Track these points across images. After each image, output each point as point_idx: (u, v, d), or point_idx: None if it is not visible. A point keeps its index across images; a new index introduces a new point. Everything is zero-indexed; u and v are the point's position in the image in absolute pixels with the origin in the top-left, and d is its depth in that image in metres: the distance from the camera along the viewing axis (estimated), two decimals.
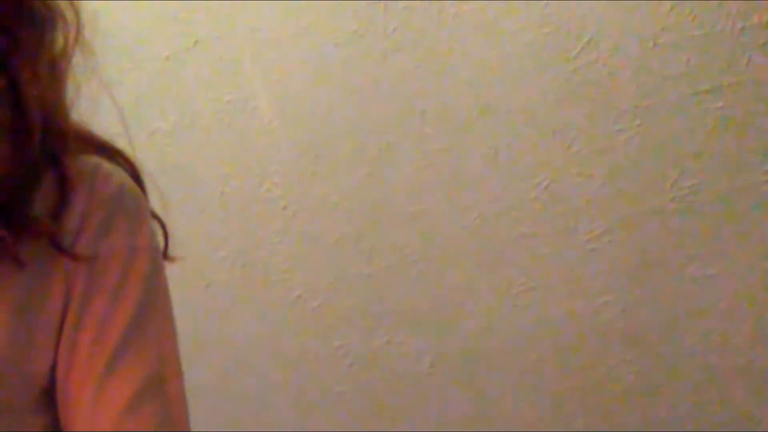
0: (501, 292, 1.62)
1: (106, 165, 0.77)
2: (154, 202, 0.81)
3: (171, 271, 0.80)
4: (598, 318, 1.60)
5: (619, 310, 1.59)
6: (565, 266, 1.59)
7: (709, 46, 1.47)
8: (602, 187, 1.55)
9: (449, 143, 1.59)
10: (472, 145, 1.59)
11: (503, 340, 1.64)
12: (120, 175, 0.77)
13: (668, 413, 1.61)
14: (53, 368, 0.72)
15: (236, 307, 1.73)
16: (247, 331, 1.74)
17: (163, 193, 0.84)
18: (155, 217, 0.80)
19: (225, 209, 1.70)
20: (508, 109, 1.56)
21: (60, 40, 0.74)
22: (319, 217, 1.66)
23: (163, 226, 0.80)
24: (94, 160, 0.77)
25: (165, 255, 0.80)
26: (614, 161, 1.54)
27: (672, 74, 1.49)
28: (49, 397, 0.73)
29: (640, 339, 1.59)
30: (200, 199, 1.70)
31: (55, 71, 0.74)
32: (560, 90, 1.53)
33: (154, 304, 0.74)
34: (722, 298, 1.55)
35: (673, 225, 1.54)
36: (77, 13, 0.75)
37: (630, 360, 1.60)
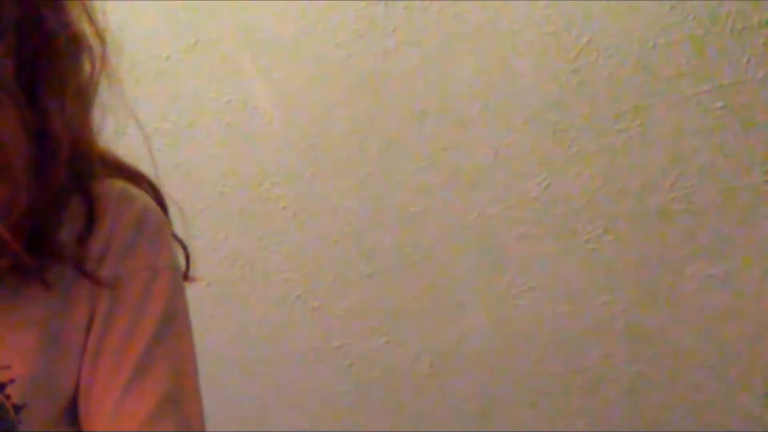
0: (501, 292, 1.62)
1: (131, 189, 0.79)
2: (176, 223, 0.83)
3: (188, 284, 0.81)
4: (598, 318, 1.60)
5: (619, 310, 1.59)
6: (565, 266, 1.59)
7: (709, 46, 1.47)
8: (602, 187, 1.55)
9: (449, 143, 1.59)
10: (472, 145, 1.59)
11: (503, 340, 1.64)
12: (143, 198, 0.79)
13: (668, 413, 1.61)
14: (77, 384, 0.74)
15: (236, 307, 1.73)
16: (247, 331, 1.74)
17: (187, 217, 0.86)
18: (177, 239, 0.82)
19: (225, 209, 1.70)
20: (508, 109, 1.56)
21: (86, 68, 0.76)
22: (319, 217, 1.66)
23: (185, 248, 0.82)
24: (119, 184, 0.79)
25: (186, 276, 0.82)
26: (614, 161, 1.54)
27: (672, 74, 1.49)
28: (73, 412, 0.75)
29: (640, 339, 1.59)
30: (200, 199, 1.70)
31: (82, 99, 0.75)
32: (560, 90, 1.53)
33: (173, 323, 0.77)
34: (722, 298, 1.55)
35: (673, 225, 1.54)
36: (103, 41, 0.76)
37: (630, 360, 1.60)
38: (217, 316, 1.74)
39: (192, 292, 1.86)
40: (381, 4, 1.56)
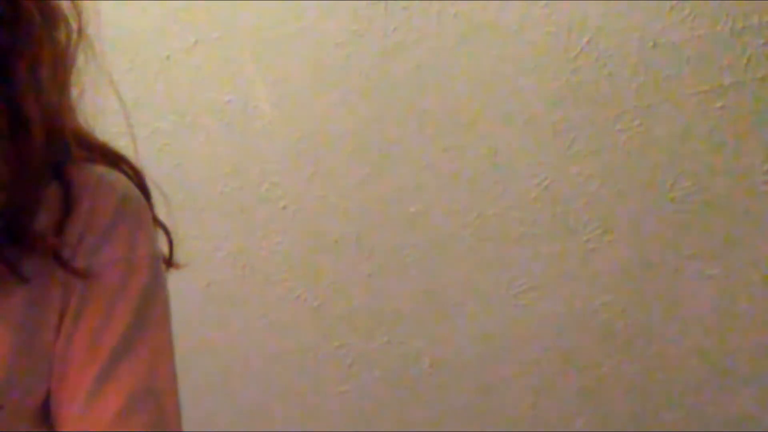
0: (501, 292, 1.62)
1: (110, 174, 0.75)
2: (160, 209, 0.80)
3: (171, 270, 0.79)
4: (598, 318, 1.60)
5: (619, 310, 1.59)
6: (565, 266, 1.59)
7: (709, 46, 1.47)
8: (602, 187, 1.55)
9: (449, 143, 1.59)
10: (472, 145, 1.59)
11: (503, 340, 1.64)
12: (122, 184, 0.75)
13: (668, 413, 1.61)
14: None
15: (236, 307, 1.73)
16: (247, 331, 1.74)
17: (169, 200, 0.82)
18: (160, 225, 0.79)
19: (225, 209, 1.70)
20: (508, 109, 1.56)
21: (62, 43, 0.72)
22: (319, 217, 1.66)
23: (168, 234, 0.79)
24: (98, 169, 0.75)
25: (170, 262, 0.79)
26: (614, 161, 1.54)
27: (672, 74, 1.49)
28: (48, 409, 0.72)
29: (640, 339, 1.59)
30: (200, 199, 1.70)
31: (57, 76, 0.72)
32: (560, 90, 1.53)
33: (150, 316, 0.73)
34: (722, 298, 1.55)
35: (673, 225, 1.54)
36: (79, 14, 0.73)
37: (630, 360, 1.60)
38: (217, 316, 1.74)
39: (192, 292, 1.86)
40: (381, 4, 1.56)
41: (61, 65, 0.72)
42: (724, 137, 1.49)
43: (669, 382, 1.60)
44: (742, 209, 1.51)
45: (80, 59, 0.74)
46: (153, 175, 0.81)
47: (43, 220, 0.70)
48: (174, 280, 0.79)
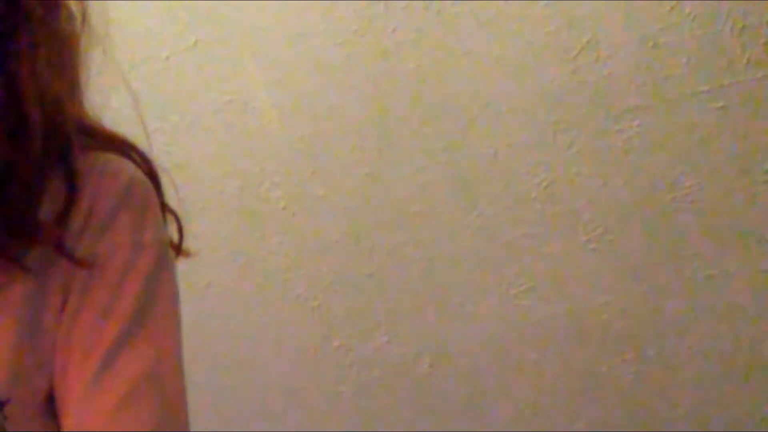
0: (501, 292, 1.62)
1: (116, 162, 0.74)
2: (170, 198, 0.79)
3: (180, 258, 0.78)
4: (598, 318, 1.60)
5: (619, 310, 1.59)
6: (565, 266, 1.59)
7: (709, 46, 1.47)
8: (602, 187, 1.55)
9: (449, 143, 1.59)
10: (472, 145, 1.59)
11: (503, 340, 1.64)
12: (129, 171, 0.74)
13: (668, 413, 1.61)
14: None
15: (236, 307, 1.73)
16: (247, 331, 1.74)
17: (177, 187, 0.81)
18: (170, 211, 0.78)
19: (225, 209, 1.70)
20: (508, 109, 1.56)
21: (62, 30, 0.71)
22: (319, 217, 1.66)
23: (178, 220, 0.78)
24: (104, 156, 0.74)
25: (179, 249, 0.78)
26: (614, 161, 1.54)
27: (672, 74, 1.49)
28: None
29: (640, 339, 1.59)
30: (200, 199, 1.70)
31: (60, 63, 0.70)
32: (560, 90, 1.53)
33: (155, 301, 0.72)
34: (722, 298, 1.55)
35: (673, 225, 1.54)
36: (82, 3, 0.72)
37: (630, 360, 1.60)
38: (217, 316, 1.74)
39: (192, 292, 1.86)
40: (381, 4, 1.56)
41: (63, 52, 0.71)
42: (724, 137, 1.49)
43: (669, 382, 1.60)
44: (742, 209, 1.51)
45: (91, 54, 0.73)
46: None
47: (47, 210, 0.69)
48: None
